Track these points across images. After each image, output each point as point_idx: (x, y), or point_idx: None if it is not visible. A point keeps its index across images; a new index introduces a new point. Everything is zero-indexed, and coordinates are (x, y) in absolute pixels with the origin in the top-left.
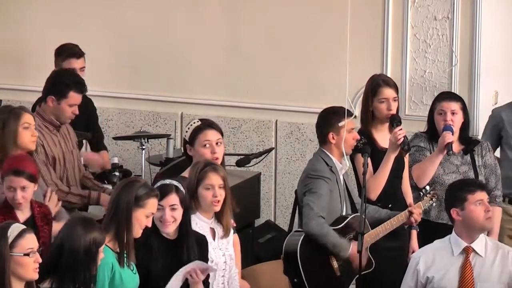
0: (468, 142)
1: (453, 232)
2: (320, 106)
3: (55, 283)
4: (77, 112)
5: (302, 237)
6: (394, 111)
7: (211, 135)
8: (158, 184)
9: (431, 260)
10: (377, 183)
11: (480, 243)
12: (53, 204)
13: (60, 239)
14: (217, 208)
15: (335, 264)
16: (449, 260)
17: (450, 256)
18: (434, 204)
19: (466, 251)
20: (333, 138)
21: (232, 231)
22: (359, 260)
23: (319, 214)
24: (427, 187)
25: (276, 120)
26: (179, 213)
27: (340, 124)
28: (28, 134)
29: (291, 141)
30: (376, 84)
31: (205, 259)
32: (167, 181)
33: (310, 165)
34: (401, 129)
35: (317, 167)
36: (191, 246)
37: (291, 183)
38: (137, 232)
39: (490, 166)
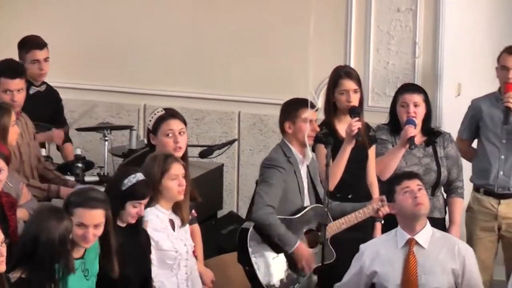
0: (430, 134)
1: (399, 225)
2: (284, 98)
3: (27, 273)
4: (17, 98)
5: (252, 226)
6: (354, 103)
7: (174, 124)
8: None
9: (376, 252)
10: (333, 174)
11: (424, 235)
12: (25, 198)
13: (34, 231)
14: (182, 197)
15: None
16: (393, 253)
17: (395, 248)
18: None
19: (410, 243)
20: (289, 127)
21: (188, 221)
22: (322, 253)
23: (267, 204)
24: None
25: (239, 112)
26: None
27: (304, 115)
28: (14, 131)
29: (254, 133)
30: (337, 76)
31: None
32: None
33: (268, 154)
34: (358, 120)
35: (272, 156)
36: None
37: (254, 174)
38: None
39: (452, 157)
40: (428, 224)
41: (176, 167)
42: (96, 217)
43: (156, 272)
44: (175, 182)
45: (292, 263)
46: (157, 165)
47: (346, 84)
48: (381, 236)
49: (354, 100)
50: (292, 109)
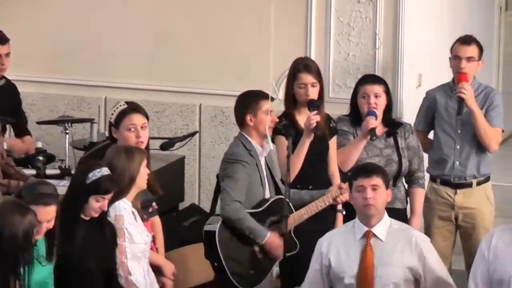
0: (391, 125)
1: (356, 216)
2: (244, 90)
3: None
4: None
5: (220, 221)
6: (312, 97)
7: (137, 119)
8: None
9: (335, 244)
10: (292, 167)
11: (382, 227)
12: None
13: None
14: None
15: (256, 247)
16: (351, 245)
17: (352, 240)
18: None
19: (367, 235)
20: (250, 120)
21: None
22: (283, 244)
23: (235, 199)
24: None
25: (200, 104)
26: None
27: (265, 107)
28: None
29: (215, 125)
30: (296, 69)
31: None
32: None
33: (228, 149)
34: (316, 114)
35: (234, 151)
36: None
37: (215, 166)
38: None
39: (413, 148)
40: (386, 216)
41: (145, 156)
42: (50, 213)
43: (131, 266)
44: (146, 170)
45: (262, 255)
46: (135, 157)
47: (304, 78)
48: (339, 227)
49: (312, 94)
50: (252, 101)
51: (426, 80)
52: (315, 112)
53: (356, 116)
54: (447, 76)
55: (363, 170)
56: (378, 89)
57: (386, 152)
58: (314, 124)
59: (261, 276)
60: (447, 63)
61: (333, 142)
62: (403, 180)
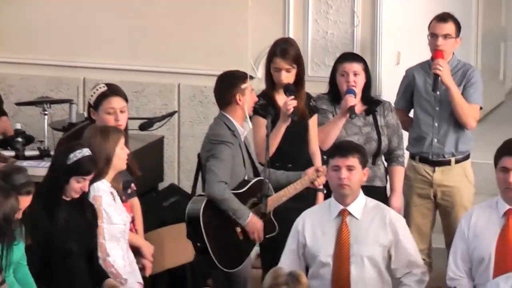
0: (370, 103)
1: (332, 195)
2: (223, 69)
3: None
4: None
5: (204, 202)
6: (285, 82)
7: (116, 102)
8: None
9: (311, 222)
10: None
11: (357, 206)
12: None
13: None
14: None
15: (238, 228)
16: (327, 223)
17: (328, 219)
18: None
19: (342, 214)
20: (239, 99)
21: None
22: (263, 225)
23: (221, 179)
24: None
25: (179, 84)
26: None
27: (243, 86)
28: None
29: (194, 104)
30: (272, 52)
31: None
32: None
33: (211, 130)
34: (293, 99)
35: (218, 132)
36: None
37: (195, 146)
38: None
39: (392, 126)
40: (361, 195)
41: (122, 136)
42: (28, 201)
43: (109, 247)
44: (124, 151)
45: (244, 236)
46: (111, 138)
47: (279, 63)
48: (315, 206)
49: (286, 79)
50: (240, 80)
51: (404, 58)
52: (292, 97)
53: (335, 94)
54: (426, 54)
55: (340, 149)
56: (357, 67)
57: (365, 130)
58: (292, 110)
59: (243, 257)
60: (426, 40)
61: (313, 121)
62: (383, 158)
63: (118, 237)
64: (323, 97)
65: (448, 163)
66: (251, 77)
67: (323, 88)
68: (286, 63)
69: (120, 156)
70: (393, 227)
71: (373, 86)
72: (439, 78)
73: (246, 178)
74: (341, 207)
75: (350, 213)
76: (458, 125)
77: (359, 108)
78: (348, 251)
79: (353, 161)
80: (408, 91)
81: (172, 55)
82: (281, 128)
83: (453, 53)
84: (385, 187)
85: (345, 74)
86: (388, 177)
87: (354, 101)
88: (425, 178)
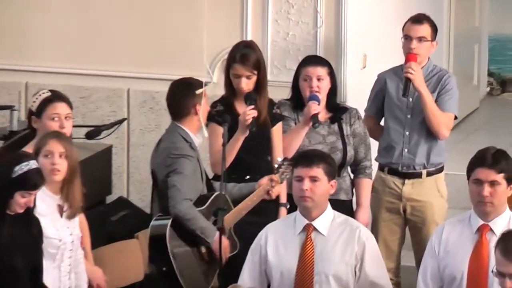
0: (336, 110)
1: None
2: (177, 73)
3: None
4: None
5: (170, 222)
6: (246, 89)
7: (61, 108)
8: None
9: (273, 237)
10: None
11: (323, 220)
12: None
13: None
14: (57, 178)
15: (203, 248)
16: (290, 238)
17: (292, 234)
18: (289, 175)
19: (307, 229)
20: (197, 110)
21: (79, 208)
22: (219, 242)
23: (186, 197)
24: (279, 159)
25: (128, 89)
26: None
27: (198, 92)
28: None
29: (145, 111)
30: (232, 58)
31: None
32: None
33: (169, 143)
34: (253, 108)
35: (177, 145)
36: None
37: (146, 156)
38: None
39: (359, 135)
40: (329, 209)
41: (52, 144)
42: None
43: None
44: (48, 160)
45: (209, 256)
46: (37, 142)
47: (238, 69)
48: (280, 219)
49: (247, 86)
50: (196, 89)
51: (371, 61)
52: (252, 106)
53: (297, 100)
54: (395, 57)
55: (304, 158)
56: (321, 71)
57: (330, 139)
58: (250, 120)
59: (209, 278)
60: (395, 43)
61: (277, 130)
62: (349, 169)
63: (53, 253)
64: (285, 103)
65: (419, 175)
66: (206, 83)
67: (284, 93)
68: (246, 69)
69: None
70: (361, 244)
71: (337, 92)
72: (410, 82)
73: (203, 193)
74: (306, 221)
75: (315, 228)
76: (431, 135)
77: (323, 115)
78: (312, 269)
79: (317, 171)
80: (379, 97)
81: (121, 57)
82: (239, 139)
83: (429, 57)
84: (351, 201)
85: (308, 78)
86: (354, 190)
87: (317, 108)
88: (394, 191)
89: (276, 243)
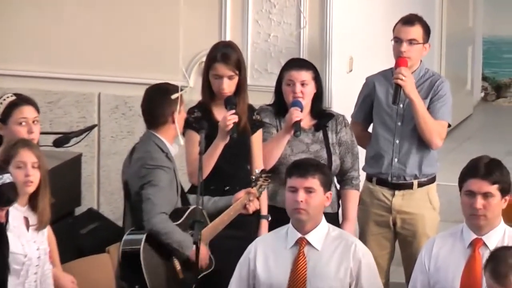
0: (321, 116)
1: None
2: (151, 77)
3: None
4: None
5: (144, 238)
6: (227, 91)
7: (28, 111)
8: None
9: (263, 250)
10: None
11: (317, 234)
12: None
13: None
14: (30, 190)
15: (177, 265)
16: (282, 252)
17: (284, 248)
18: (267, 188)
19: (300, 243)
20: (174, 119)
21: (47, 222)
22: (196, 256)
23: (161, 211)
24: (256, 170)
25: (99, 93)
26: None
27: (173, 96)
28: None
29: (116, 117)
30: (212, 57)
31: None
32: None
33: (144, 153)
34: (234, 113)
35: (153, 155)
36: None
37: (117, 165)
38: None
39: (345, 143)
40: (323, 222)
41: (24, 153)
42: None
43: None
44: (21, 171)
45: (184, 271)
46: (5, 151)
47: (220, 69)
48: (271, 232)
49: (229, 88)
50: (174, 98)
51: (358, 64)
52: (233, 111)
53: (280, 106)
54: (384, 59)
55: (298, 168)
56: (305, 75)
57: (314, 148)
58: (231, 126)
59: None
60: (383, 44)
61: (257, 137)
62: (335, 180)
63: (17, 269)
64: (267, 109)
65: (409, 186)
66: (183, 89)
67: (265, 98)
68: (228, 69)
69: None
70: (358, 260)
71: (323, 97)
72: (401, 89)
73: (177, 206)
74: (299, 235)
75: (308, 243)
76: (422, 143)
77: (307, 122)
78: (304, 285)
79: (313, 182)
80: (368, 102)
81: (92, 60)
82: (218, 146)
83: (421, 60)
84: (336, 213)
85: (291, 83)
86: (340, 202)
87: (300, 115)
88: (383, 203)
89: (266, 257)
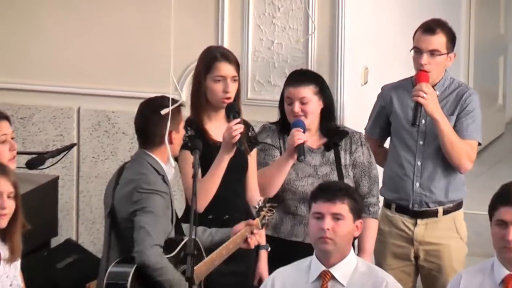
0: (332, 134)
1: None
2: (138, 89)
3: None
4: None
5: (132, 271)
6: (231, 95)
7: (6, 127)
8: None
9: (282, 284)
10: (205, 192)
11: (344, 268)
12: None
13: None
14: (3, 223)
15: None
16: (303, 287)
17: (305, 282)
18: (272, 220)
19: (323, 277)
20: (174, 138)
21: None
22: None
23: (156, 242)
24: (260, 199)
25: (79, 107)
26: None
27: (163, 112)
28: None
29: (98, 135)
30: (211, 58)
31: None
32: None
33: (138, 175)
34: (239, 122)
35: (149, 178)
36: None
37: (99, 189)
38: None
39: (361, 165)
40: (352, 254)
41: (0, 183)
42: None
43: None
44: None
45: None
46: None
47: (223, 68)
48: (291, 265)
49: (233, 91)
50: (174, 112)
51: (374, 76)
52: (238, 120)
53: (284, 124)
54: (403, 70)
55: (325, 191)
56: (305, 91)
57: (323, 171)
58: (238, 137)
59: None
60: (403, 53)
61: (252, 157)
62: None
63: None
64: (269, 128)
65: (434, 214)
66: (182, 104)
67: (267, 114)
68: (232, 67)
69: None
70: None
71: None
72: (421, 107)
73: (171, 236)
74: (323, 268)
75: (333, 277)
76: (448, 164)
77: (315, 141)
78: None
79: (342, 208)
80: (383, 115)
81: (71, 70)
82: (223, 161)
83: (446, 69)
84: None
85: (290, 102)
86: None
87: (302, 136)
88: (404, 233)
89: None
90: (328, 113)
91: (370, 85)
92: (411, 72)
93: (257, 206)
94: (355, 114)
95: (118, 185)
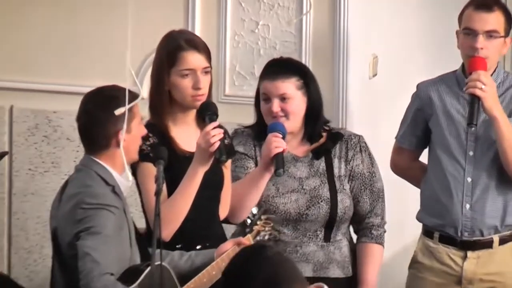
0: (323, 138)
1: None
2: (87, 83)
3: None
4: None
5: None
6: (204, 92)
7: None
8: None
9: None
10: (173, 215)
11: None
12: None
13: None
14: None
15: None
16: None
17: None
18: (268, 237)
19: None
20: (125, 140)
21: None
22: None
23: (107, 270)
24: (253, 210)
25: (11, 106)
26: None
27: (117, 112)
28: None
29: (36, 141)
30: (174, 47)
31: None
32: None
33: (81, 187)
34: (217, 126)
35: (94, 190)
36: None
37: (37, 209)
38: None
39: (361, 176)
40: None
41: None
42: None
43: None
44: None
45: None
46: None
47: (191, 59)
48: None
49: (205, 86)
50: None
51: (385, 66)
52: (216, 123)
53: (261, 128)
54: (426, 60)
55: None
56: (286, 86)
57: (311, 185)
58: (217, 144)
59: None
60: (424, 36)
61: (228, 169)
62: (351, 230)
63: None
64: (242, 133)
65: (488, 244)
66: (136, 96)
67: (252, 116)
68: (202, 57)
69: None
70: None
71: (335, 112)
72: (480, 102)
73: (132, 262)
74: None
75: None
76: (505, 179)
77: (302, 148)
78: None
79: None
80: (420, 121)
81: (1, 61)
82: (197, 174)
83: (498, 62)
84: (348, 279)
85: (266, 98)
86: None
87: (281, 144)
88: (450, 269)
89: None
90: (315, 111)
91: (380, 77)
92: (436, 63)
93: (249, 219)
94: (361, 115)
95: (59, 204)
